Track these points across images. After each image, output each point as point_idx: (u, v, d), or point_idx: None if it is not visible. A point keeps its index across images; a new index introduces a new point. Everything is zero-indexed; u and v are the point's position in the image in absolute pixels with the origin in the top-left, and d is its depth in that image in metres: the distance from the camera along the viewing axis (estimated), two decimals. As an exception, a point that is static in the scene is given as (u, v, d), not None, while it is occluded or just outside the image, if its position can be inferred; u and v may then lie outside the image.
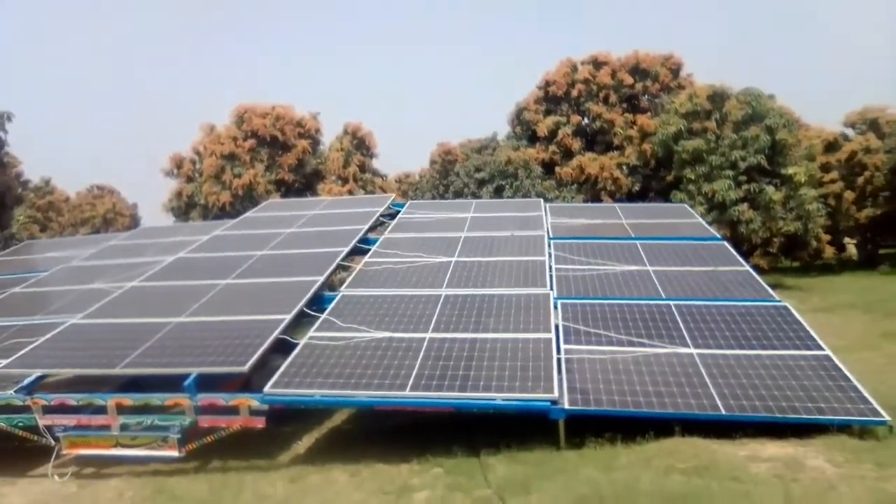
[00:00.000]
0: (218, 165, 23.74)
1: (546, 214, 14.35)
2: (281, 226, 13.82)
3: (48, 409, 7.63)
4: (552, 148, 28.38)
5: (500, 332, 8.57)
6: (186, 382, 7.34)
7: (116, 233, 20.51)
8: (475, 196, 25.95)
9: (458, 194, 27.85)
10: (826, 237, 28.97)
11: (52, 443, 7.70)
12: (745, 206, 23.39)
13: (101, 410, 7.60)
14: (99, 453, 7.63)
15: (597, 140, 28.96)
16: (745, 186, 23.51)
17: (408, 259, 11.47)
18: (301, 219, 14.33)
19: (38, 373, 7.81)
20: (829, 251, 30.52)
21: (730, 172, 23.45)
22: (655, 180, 26.90)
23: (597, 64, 29.17)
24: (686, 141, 24.25)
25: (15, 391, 7.77)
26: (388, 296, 9.86)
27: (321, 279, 10.28)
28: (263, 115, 25.06)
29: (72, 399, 7.59)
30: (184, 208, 24.72)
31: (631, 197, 26.47)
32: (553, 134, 28.47)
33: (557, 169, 27.91)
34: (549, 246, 12.11)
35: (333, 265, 10.98)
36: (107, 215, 45.89)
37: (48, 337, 8.75)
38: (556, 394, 7.08)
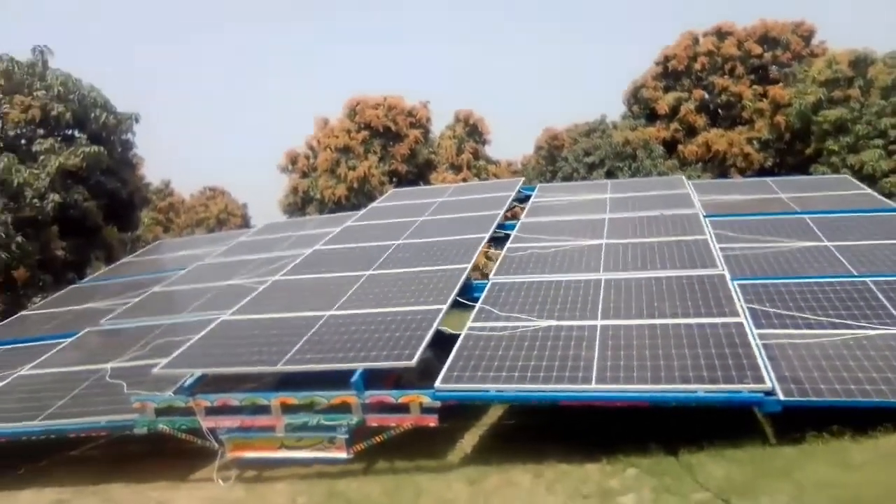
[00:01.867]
0: (333, 159, 23.70)
1: (692, 192, 13.27)
2: (411, 214, 13.33)
3: (211, 411, 7.32)
4: (674, 126, 26.87)
5: (679, 317, 7.68)
6: (354, 379, 6.84)
7: (242, 230, 20.69)
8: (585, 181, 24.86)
9: (567, 179, 26.83)
10: None
11: (216, 446, 7.40)
12: (896, 177, 21.30)
13: (259, 410, 7.25)
14: (264, 456, 7.27)
15: (722, 115, 27.22)
16: (896, 156, 21.44)
17: (553, 243, 10.70)
18: (430, 206, 13.80)
19: (198, 373, 7.51)
20: None
21: (879, 142, 21.42)
22: (791, 154, 24.95)
23: (721, 35, 27.38)
24: (827, 110, 22.31)
25: (175, 392, 7.53)
26: (542, 282, 9.14)
27: (468, 266, 9.67)
28: (375, 106, 24.84)
29: (235, 399, 7.25)
30: (300, 203, 24.84)
31: (763, 173, 24.62)
32: (674, 111, 26.96)
33: (680, 147, 26.42)
34: (706, 224, 11.06)
35: (478, 251, 10.38)
36: (220, 216, 47.28)
37: (201, 335, 8.50)
38: (769, 384, 6.15)
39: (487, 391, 6.67)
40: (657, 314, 7.82)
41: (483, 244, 10.72)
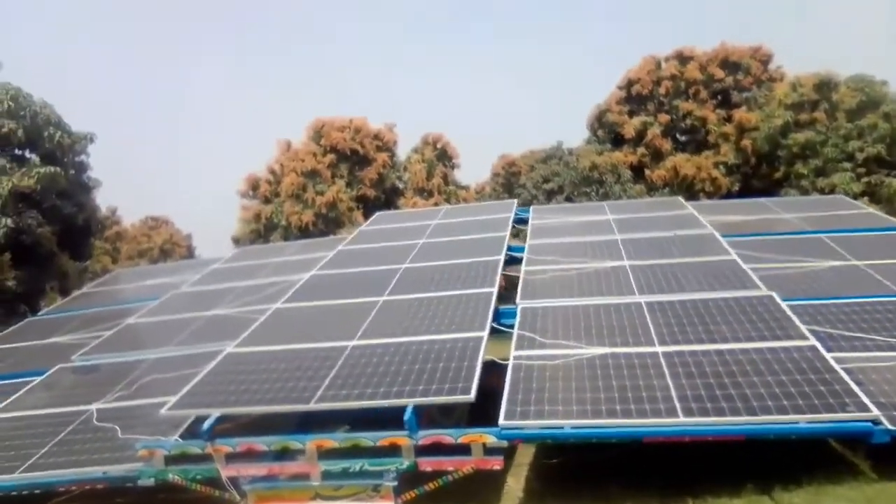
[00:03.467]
0: (299, 183, 22.71)
1: (695, 212, 12.89)
2: (407, 237, 12.55)
3: (232, 457, 6.35)
4: (640, 150, 26.85)
5: (742, 341, 7.09)
6: (406, 417, 6.00)
7: (213, 258, 19.07)
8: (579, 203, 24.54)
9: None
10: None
11: (237, 498, 6.42)
12: (865, 199, 21.55)
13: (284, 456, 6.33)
14: (294, 508, 6.33)
15: (687, 139, 27.37)
16: (864, 179, 21.72)
17: (572, 265, 10.09)
18: (426, 229, 13.06)
19: (216, 413, 6.52)
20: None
21: (847, 165, 21.71)
22: (757, 178, 25.17)
23: (682, 59, 27.66)
24: (795, 134, 22.55)
25: (182, 435, 6.56)
26: (579, 306, 8.47)
27: (494, 290, 8.95)
28: (341, 129, 24.03)
29: (262, 444, 6.29)
30: (262, 231, 23.68)
31: (730, 197, 24.76)
32: (640, 135, 26.98)
33: (647, 172, 26.38)
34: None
35: (498, 274, 9.65)
36: (164, 246, 45.33)
37: (207, 371, 7.51)
38: (874, 411, 5.59)
39: (561, 428, 5.92)
40: (718, 339, 7.21)
41: (501, 267, 10.00)
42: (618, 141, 28.16)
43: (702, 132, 26.90)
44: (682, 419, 5.80)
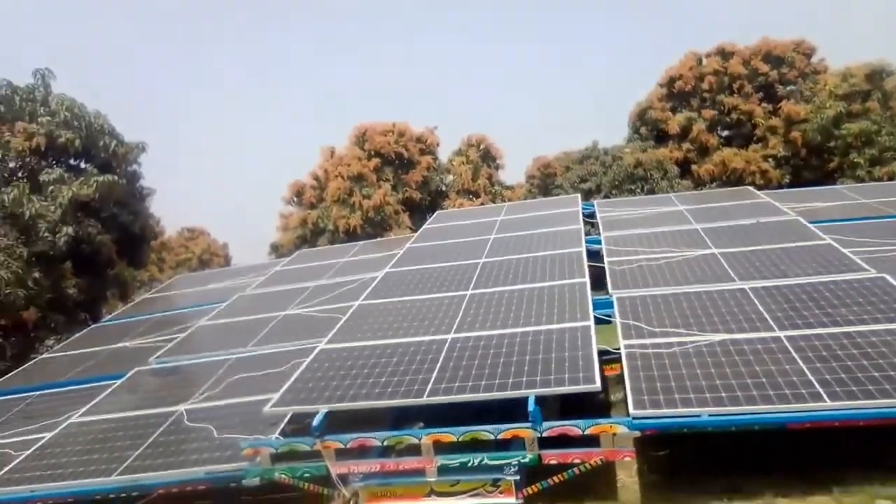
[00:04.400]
0: (345, 188, 22.51)
1: (771, 201, 12.48)
2: (475, 234, 12.28)
3: (342, 454, 6.10)
4: (686, 146, 26.35)
5: (869, 323, 6.70)
6: (531, 408, 5.70)
7: (273, 261, 18.83)
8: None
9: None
10: None
11: (347, 496, 6.17)
12: (925, 188, 20.93)
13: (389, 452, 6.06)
14: (408, 506, 6.06)
15: (733, 134, 26.82)
16: (923, 167, 21.09)
17: (657, 255, 9.75)
18: (493, 225, 12.77)
19: (324, 409, 6.27)
20: None
21: (904, 153, 21.11)
22: (807, 170, 24.54)
23: (724, 55, 27.13)
24: (850, 124, 21.97)
25: (279, 433, 6.32)
26: (678, 294, 8.14)
27: (586, 280, 8.66)
28: (384, 133, 23.84)
29: (375, 439, 6.01)
30: (309, 236, 23.53)
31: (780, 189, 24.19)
32: (685, 131, 26.47)
33: (694, 167, 25.86)
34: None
35: (585, 265, 9.33)
36: (202, 256, 45.58)
37: (304, 367, 7.27)
38: None
39: (698, 416, 5.59)
40: (842, 322, 6.83)
41: (585, 258, 9.68)
42: (661, 138, 27.67)
43: (748, 126, 26.35)
44: (828, 403, 5.46)
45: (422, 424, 6.65)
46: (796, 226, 10.48)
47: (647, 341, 6.96)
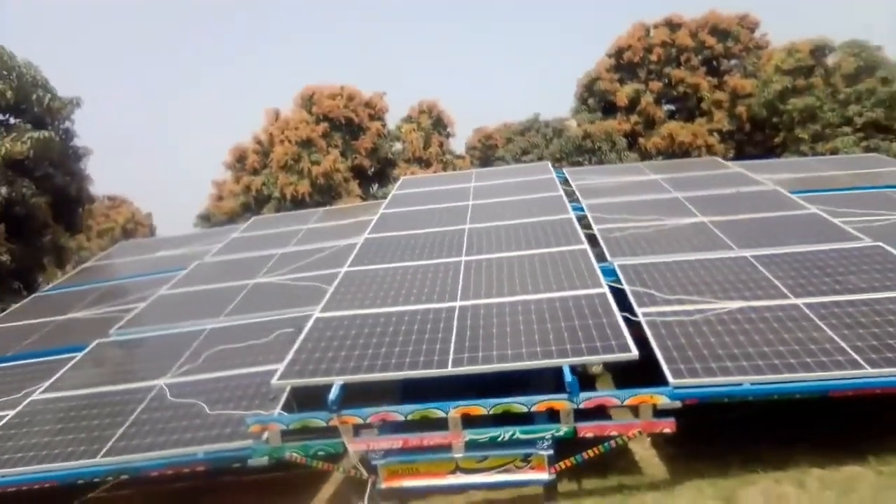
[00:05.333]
0: (293, 153, 21.59)
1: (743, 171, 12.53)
2: (451, 200, 11.87)
3: (361, 429, 5.67)
4: (633, 118, 26.49)
5: (881, 290, 6.70)
6: (568, 378, 5.40)
7: (224, 227, 17.75)
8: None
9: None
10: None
11: (365, 474, 5.75)
12: (865, 163, 21.63)
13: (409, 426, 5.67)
14: (433, 484, 5.69)
15: (679, 107, 27.12)
16: (863, 143, 21.77)
17: (647, 223, 9.61)
18: (467, 192, 12.39)
19: (339, 381, 5.80)
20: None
21: (847, 129, 21.72)
22: (751, 145, 25.10)
23: (672, 26, 27.30)
24: (795, 99, 22.47)
25: (280, 408, 5.85)
26: (683, 261, 7.99)
27: (586, 247, 8.41)
28: (333, 97, 22.96)
29: (398, 413, 5.60)
30: (253, 203, 22.56)
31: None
32: (633, 103, 26.59)
33: (642, 140, 26.06)
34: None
35: (580, 232, 9.09)
36: (126, 225, 43.56)
37: (303, 337, 6.75)
38: None
39: (740, 384, 5.40)
40: (854, 289, 6.80)
41: (576, 224, 9.43)
42: (608, 110, 27.75)
43: (693, 99, 26.69)
44: (869, 370, 5.36)
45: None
46: (777, 195, 10.51)
47: (664, 308, 6.76)
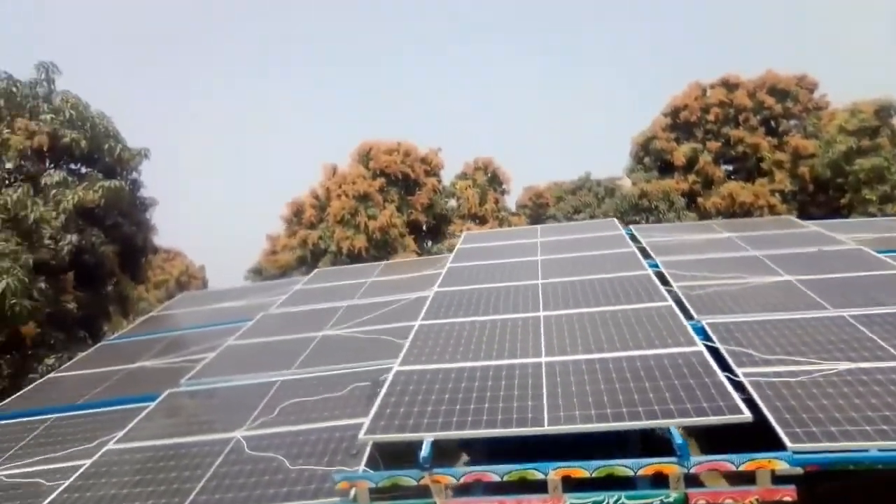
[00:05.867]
0: (350, 207, 21.76)
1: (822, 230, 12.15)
2: (518, 255, 11.70)
3: (458, 491, 5.39)
4: (691, 177, 26.18)
5: None
6: (678, 441, 5.07)
7: (287, 280, 17.78)
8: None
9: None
10: None
11: (457, 536, 5.45)
12: (936, 226, 20.91)
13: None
14: (529, 548, 5.35)
15: (737, 167, 26.76)
16: (934, 205, 21.13)
17: (730, 281, 9.27)
18: (534, 247, 12.21)
19: (430, 437, 5.56)
20: None
21: (916, 190, 21.13)
22: (814, 206, 24.52)
23: (729, 86, 27.16)
24: (862, 159, 21.98)
25: (364, 465, 5.61)
26: (777, 321, 7.63)
27: (671, 303, 8.11)
28: (389, 152, 23.22)
29: (494, 473, 5.31)
30: (309, 257, 22.70)
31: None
32: (691, 163, 26.32)
33: (700, 200, 25.67)
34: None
35: (661, 288, 8.79)
36: (180, 278, 44.43)
37: (385, 392, 6.53)
38: None
39: (866, 451, 5.00)
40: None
41: (653, 281, 9.15)
42: (665, 169, 27.51)
43: (752, 159, 26.31)
44: None
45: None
46: (863, 254, 10.08)
47: (765, 369, 6.39)
